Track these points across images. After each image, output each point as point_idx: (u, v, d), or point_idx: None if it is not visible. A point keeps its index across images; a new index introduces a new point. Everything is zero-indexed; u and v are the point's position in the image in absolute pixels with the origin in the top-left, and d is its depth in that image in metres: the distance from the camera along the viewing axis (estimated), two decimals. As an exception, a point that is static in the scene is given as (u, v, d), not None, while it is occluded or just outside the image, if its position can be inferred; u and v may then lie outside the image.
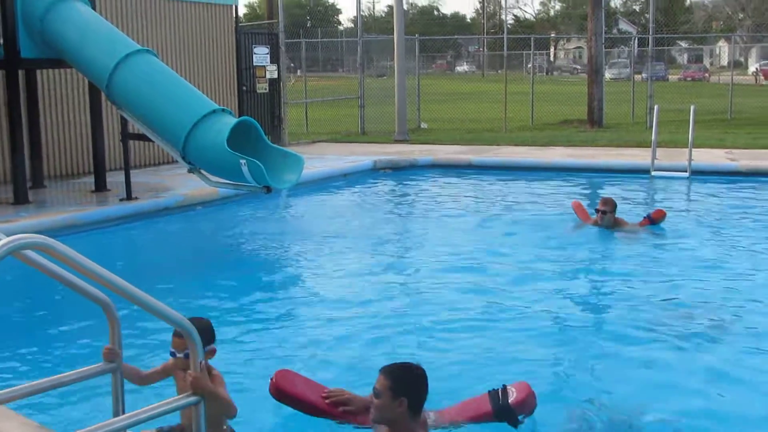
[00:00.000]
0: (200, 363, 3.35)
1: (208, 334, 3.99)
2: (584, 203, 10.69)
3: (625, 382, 5.32)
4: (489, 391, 4.63)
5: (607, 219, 9.54)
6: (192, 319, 3.82)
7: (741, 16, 65.28)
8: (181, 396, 3.36)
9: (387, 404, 3.89)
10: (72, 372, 3.54)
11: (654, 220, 9.74)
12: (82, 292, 3.34)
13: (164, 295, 6.70)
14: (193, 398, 3.33)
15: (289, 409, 4.53)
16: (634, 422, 4.76)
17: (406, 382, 3.92)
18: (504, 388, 4.61)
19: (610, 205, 9.60)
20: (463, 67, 70.22)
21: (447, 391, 4.89)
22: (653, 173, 13.92)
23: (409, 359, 5.20)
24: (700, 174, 13.72)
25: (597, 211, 9.65)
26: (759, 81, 47.00)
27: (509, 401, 4.53)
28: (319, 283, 8.08)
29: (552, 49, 68.98)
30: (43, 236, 2.93)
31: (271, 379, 4.46)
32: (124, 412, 3.55)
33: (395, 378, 3.91)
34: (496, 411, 4.50)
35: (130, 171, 11.33)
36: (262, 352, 5.92)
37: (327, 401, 4.37)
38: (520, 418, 4.55)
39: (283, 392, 4.43)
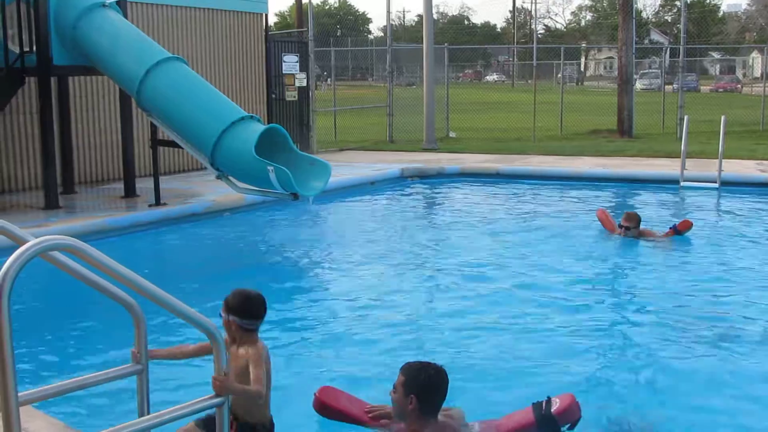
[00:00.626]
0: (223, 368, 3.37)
1: (254, 308, 4.04)
2: (610, 212, 10.61)
3: (658, 394, 5.32)
4: (533, 403, 4.63)
5: (631, 233, 9.57)
6: (238, 291, 4.02)
7: (774, 26, 64.61)
8: (206, 397, 3.37)
9: (400, 399, 4.02)
10: (98, 373, 3.59)
11: (680, 231, 9.69)
12: (108, 293, 3.38)
13: (190, 299, 6.75)
14: (217, 400, 3.35)
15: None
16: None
17: (418, 381, 3.99)
18: (548, 399, 4.61)
19: (634, 221, 9.63)
20: (492, 77, 70.10)
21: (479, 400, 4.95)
22: (682, 183, 13.82)
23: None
24: (729, 185, 13.60)
25: (620, 226, 9.65)
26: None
27: (552, 410, 4.53)
28: (346, 289, 8.09)
29: (583, 59, 68.72)
30: (70, 237, 2.97)
31: (315, 395, 4.54)
32: (149, 413, 3.59)
33: (408, 375, 4.02)
34: (539, 420, 4.51)
35: (160, 177, 11.44)
36: (292, 360, 5.92)
37: (370, 416, 4.46)
38: (563, 428, 4.56)
39: (326, 406, 4.52)
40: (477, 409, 4.69)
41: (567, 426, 4.56)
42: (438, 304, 7.45)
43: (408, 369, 4.07)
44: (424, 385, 4.00)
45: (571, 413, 4.56)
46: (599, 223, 10.26)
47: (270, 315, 6.40)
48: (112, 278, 3.11)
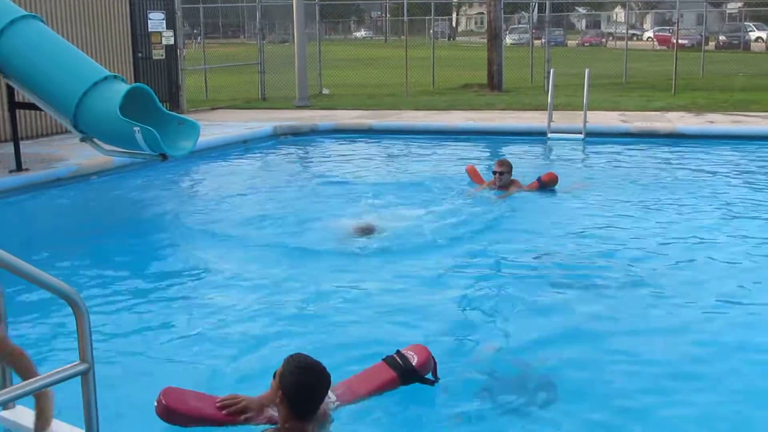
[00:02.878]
0: None
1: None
2: (479, 167, 10.83)
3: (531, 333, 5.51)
4: (384, 358, 4.60)
5: (504, 179, 9.76)
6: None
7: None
8: (68, 366, 3.27)
9: (273, 389, 3.79)
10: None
11: (544, 182, 9.96)
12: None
13: (51, 268, 6.56)
14: (80, 367, 3.25)
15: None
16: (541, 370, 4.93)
17: (289, 379, 3.71)
18: (398, 352, 4.61)
19: (506, 166, 9.84)
20: (361, 33, 69.71)
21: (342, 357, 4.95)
22: (549, 135, 14.25)
23: (296, 330, 5.25)
24: (594, 136, 14.10)
25: (494, 172, 9.84)
26: (654, 47, 48.28)
27: (413, 364, 4.54)
28: (214, 257, 7.75)
29: (454, 15, 69.34)
30: None
31: (158, 401, 4.00)
32: (11, 385, 3.48)
33: (285, 369, 3.75)
34: (401, 374, 4.48)
35: (20, 141, 10.96)
36: (149, 333, 5.69)
37: (224, 412, 4.03)
38: (428, 377, 4.60)
39: (174, 412, 4.00)
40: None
41: (428, 375, 4.61)
42: (305, 265, 7.19)
43: (286, 362, 3.78)
44: (293, 384, 3.70)
45: (429, 362, 4.61)
46: (468, 176, 10.46)
47: (130, 284, 6.19)
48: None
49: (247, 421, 4.02)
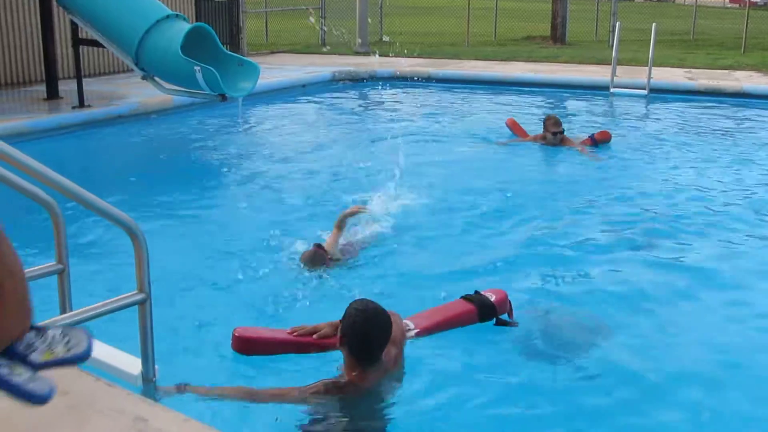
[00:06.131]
0: None
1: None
2: (533, 120, 10.65)
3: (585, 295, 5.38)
4: (463, 296, 4.63)
5: (556, 138, 9.57)
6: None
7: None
8: (127, 295, 3.34)
9: (338, 333, 3.76)
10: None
11: (597, 140, 9.74)
12: (26, 192, 3.30)
13: (111, 200, 6.65)
14: (138, 297, 3.32)
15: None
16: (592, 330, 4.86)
17: (348, 324, 3.66)
18: (477, 292, 4.64)
19: (560, 124, 9.66)
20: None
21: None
22: (612, 90, 13.97)
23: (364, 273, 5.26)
24: (658, 92, 13.79)
25: (552, 133, 9.60)
26: (725, 3, 46.95)
27: (491, 300, 4.58)
28: (265, 198, 7.83)
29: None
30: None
31: (234, 336, 4.07)
32: (71, 311, 3.56)
33: (345, 312, 3.72)
34: (479, 308, 4.51)
35: (83, 79, 11.09)
36: (199, 268, 5.74)
37: (295, 334, 4.08)
38: (504, 317, 4.62)
39: (250, 340, 4.08)
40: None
41: (504, 315, 4.62)
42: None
43: (349, 306, 3.74)
44: (351, 330, 3.65)
45: (506, 303, 4.64)
46: (509, 130, 10.30)
47: (182, 221, 6.22)
48: (30, 176, 3.03)
49: (319, 343, 4.03)
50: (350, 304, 3.75)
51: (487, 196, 7.70)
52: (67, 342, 1.93)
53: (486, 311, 4.55)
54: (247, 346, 4.09)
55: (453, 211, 7.25)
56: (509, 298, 4.67)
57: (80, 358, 1.95)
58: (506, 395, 4.01)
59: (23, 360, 1.83)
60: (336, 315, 3.85)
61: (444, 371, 4.18)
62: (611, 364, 4.33)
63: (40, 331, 1.90)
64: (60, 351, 1.91)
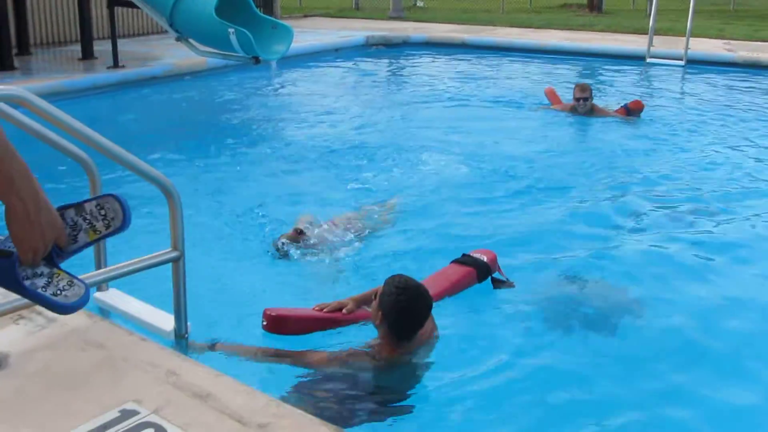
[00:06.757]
0: None
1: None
2: (568, 88, 10.55)
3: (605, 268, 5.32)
4: (454, 260, 4.68)
5: (585, 106, 9.40)
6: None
7: None
8: (162, 252, 3.38)
9: (374, 310, 3.72)
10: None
11: (631, 110, 9.59)
12: (61, 148, 3.34)
13: (146, 159, 6.71)
14: (172, 254, 3.37)
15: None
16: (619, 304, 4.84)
17: (390, 301, 3.61)
18: (465, 254, 4.70)
19: (588, 91, 9.45)
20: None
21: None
22: (648, 60, 13.78)
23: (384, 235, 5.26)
24: (695, 63, 13.58)
25: (577, 99, 9.44)
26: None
27: (485, 261, 4.65)
28: (298, 157, 7.89)
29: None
30: (20, 88, 2.91)
31: (265, 316, 3.99)
32: (105, 267, 3.62)
33: (385, 290, 3.66)
34: (478, 270, 4.56)
35: (118, 40, 11.15)
36: (229, 227, 5.83)
37: (325, 310, 4.03)
38: (498, 276, 4.67)
39: (283, 319, 4.00)
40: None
41: (496, 274, 4.69)
42: (394, 176, 7.25)
43: (387, 284, 3.68)
44: (393, 307, 3.61)
45: (495, 262, 4.71)
46: (546, 98, 10.18)
47: (213, 182, 6.26)
48: (65, 133, 3.07)
49: (350, 318, 4.01)
50: (388, 282, 3.69)
51: (510, 164, 7.65)
52: (104, 216, 1.99)
53: (482, 271, 4.62)
54: (280, 325, 4.02)
55: (479, 180, 7.24)
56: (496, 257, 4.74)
57: (121, 230, 2.03)
58: (532, 366, 3.97)
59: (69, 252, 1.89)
60: (371, 283, 3.86)
61: (468, 337, 4.20)
62: (646, 339, 4.28)
63: (79, 207, 1.95)
64: (101, 227, 1.98)
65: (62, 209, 1.92)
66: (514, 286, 4.69)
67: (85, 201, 1.98)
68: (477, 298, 4.57)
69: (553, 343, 4.20)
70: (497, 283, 4.67)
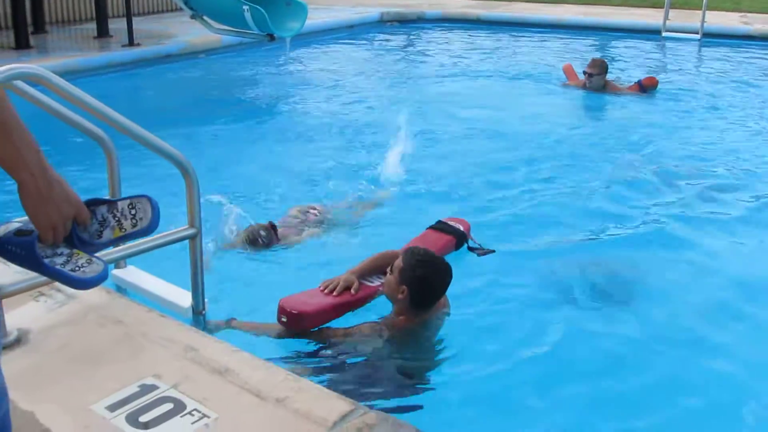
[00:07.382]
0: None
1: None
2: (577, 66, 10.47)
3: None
4: (429, 227, 4.75)
5: (595, 81, 9.31)
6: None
7: None
8: (179, 229, 3.40)
9: (392, 284, 3.69)
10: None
11: (644, 86, 9.49)
12: (78, 126, 3.36)
13: (162, 136, 6.73)
14: (189, 231, 3.39)
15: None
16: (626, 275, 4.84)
17: (414, 274, 3.62)
18: (440, 221, 4.79)
19: (598, 67, 9.34)
20: None
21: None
22: (664, 34, 13.67)
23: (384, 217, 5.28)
24: (712, 37, 13.45)
25: (585, 73, 9.39)
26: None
27: (461, 229, 4.76)
28: (313, 135, 7.90)
29: None
30: (36, 66, 2.93)
31: (286, 313, 3.74)
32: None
33: (407, 264, 3.65)
34: (456, 238, 4.66)
35: (133, 18, 11.15)
36: (257, 199, 5.91)
37: (334, 293, 3.87)
38: (473, 245, 4.75)
39: (305, 314, 3.76)
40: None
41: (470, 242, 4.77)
42: (408, 152, 7.04)
43: (409, 257, 3.68)
44: (419, 281, 3.63)
45: (469, 229, 4.83)
46: (564, 75, 10.11)
47: (233, 155, 6.29)
48: (82, 110, 3.09)
49: (360, 297, 3.93)
50: (408, 254, 3.71)
51: (520, 140, 7.66)
52: (134, 215, 2.00)
53: (460, 240, 4.70)
54: (300, 322, 3.76)
55: (491, 154, 7.25)
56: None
57: (146, 232, 2.03)
58: (545, 341, 3.97)
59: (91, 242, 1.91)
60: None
61: (482, 313, 4.21)
62: (653, 324, 4.26)
63: (112, 204, 1.97)
64: (128, 225, 1.99)
65: (95, 204, 1.93)
66: (494, 252, 4.75)
67: (120, 199, 1.99)
68: (489, 274, 4.59)
69: (566, 319, 4.20)
70: (480, 251, 4.73)
